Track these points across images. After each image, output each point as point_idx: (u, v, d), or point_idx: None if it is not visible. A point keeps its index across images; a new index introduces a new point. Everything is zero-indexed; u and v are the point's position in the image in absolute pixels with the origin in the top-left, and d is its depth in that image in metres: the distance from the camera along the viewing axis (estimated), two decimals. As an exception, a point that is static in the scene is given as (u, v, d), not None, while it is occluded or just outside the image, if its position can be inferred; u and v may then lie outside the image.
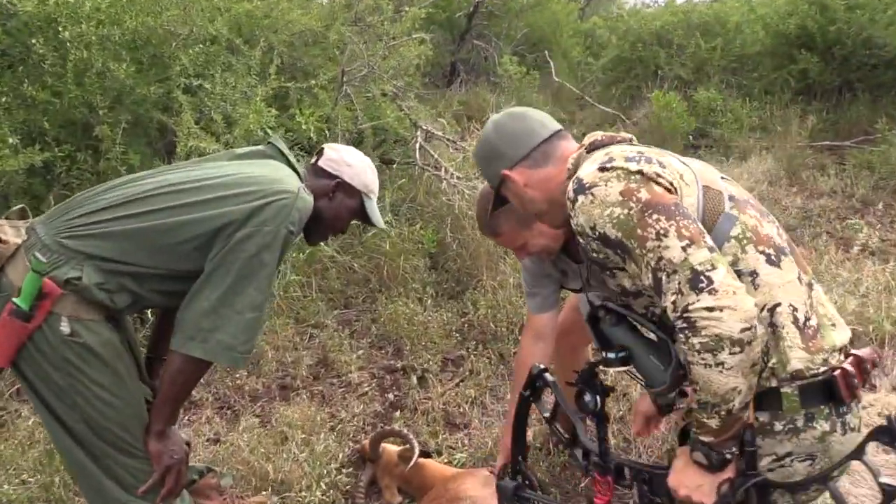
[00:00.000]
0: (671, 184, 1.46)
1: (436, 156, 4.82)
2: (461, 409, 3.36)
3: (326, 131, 4.31)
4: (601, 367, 1.58)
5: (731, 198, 1.54)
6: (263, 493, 2.69)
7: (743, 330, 1.29)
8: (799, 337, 1.44)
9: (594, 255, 1.54)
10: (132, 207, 1.87)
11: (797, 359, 1.44)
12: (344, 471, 2.84)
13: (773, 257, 1.48)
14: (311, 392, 3.47)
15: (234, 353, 1.87)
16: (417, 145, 4.80)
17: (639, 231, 1.36)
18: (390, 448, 2.82)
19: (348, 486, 2.77)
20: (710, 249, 1.35)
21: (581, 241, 1.55)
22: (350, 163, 2.16)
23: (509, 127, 1.73)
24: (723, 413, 1.35)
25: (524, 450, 1.87)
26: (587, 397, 1.57)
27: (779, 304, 1.45)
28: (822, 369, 1.44)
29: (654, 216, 1.36)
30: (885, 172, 6.28)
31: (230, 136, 3.73)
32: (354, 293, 4.34)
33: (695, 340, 1.30)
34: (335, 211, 2.14)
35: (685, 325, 1.31)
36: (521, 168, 1.70)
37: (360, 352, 3.82)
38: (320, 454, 2.87)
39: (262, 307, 1.91)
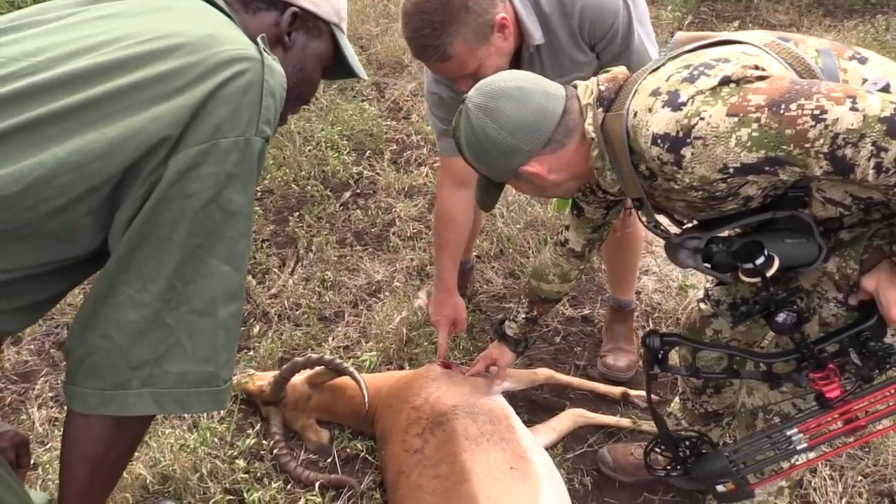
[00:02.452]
0: (757, 66, 1.22)
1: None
2: (322, 298, 2.70)
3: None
4: (757, 280, 1.34)
5: (783, 38, 1.32)
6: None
7: None
8: None
9: (695, 194, 1.27)
10: None
11: None
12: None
13: (857, 57, 1.31)
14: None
15: (212, 387, 1.06)
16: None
17: (788, 131, 1.13)
18: (292, 382, 2.12)
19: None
20: (867, 91, 1.14)
21: (678, 189, 1.28)
22: None
23: (514, 114, 1.37)
24: None
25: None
26: (781, 317, 1.36)
27: None
28: None
29: (792, 105, 1.13)
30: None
31: None
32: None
33: None
34: (298, 65, 1.26)
35: None
36: (542, 156, 1.40)
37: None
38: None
39: (240, 291, 1.08)
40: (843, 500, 1.92)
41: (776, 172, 1.18)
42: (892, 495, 1.95)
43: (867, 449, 2.07)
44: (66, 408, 1.06)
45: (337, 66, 1.35)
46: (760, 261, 1.30)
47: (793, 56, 1.28)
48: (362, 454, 2.08)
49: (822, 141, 1.11)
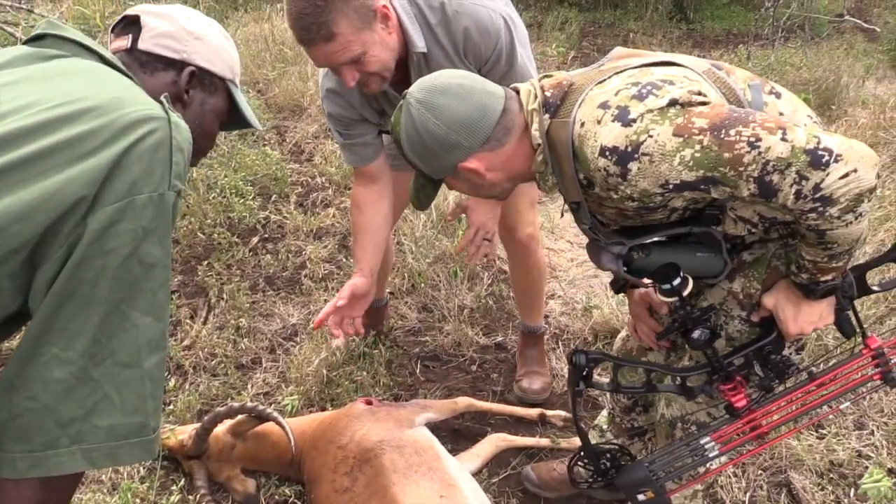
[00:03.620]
0: (699, 92, 1.31)
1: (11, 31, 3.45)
2: (237, 346, 2.68)
3: None
4: (675, 301, 1.44)
5: (716, 66, 1.44)
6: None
7: (877, 174, 1.24)
8: None
9: (631, 203, 1.35)
10: None
11: None
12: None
13: (774, 92, 1.45)
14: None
15: (141, 436, 1.07)
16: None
17: (726, 155, 1.22)
18: (213, 433, 2.10)
19: None
20: (796, 124, 1.26)
21: (616, 199, 1.35)
22: (199, 34, 1.30)
23: (455, 110, 1.39)
24: (852, 251, 1.33)
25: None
26: (696, 333, 1.45)
27: None
28: None
29: (731, 131, 1.22)
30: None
31: None
32: None
33: (833, 210, 1.22)
34: (197, 121, 1.29)
35: (818, 203, 1.22)
36: (481, 154, 1.42)
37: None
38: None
39: (163, 340, 1.09)
40: (747, 495, 2.08)
41: (709, 191, 1.27)
42: (789, 485, 2.12)
43: (761, 440, 2.25)
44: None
45: (233, 119, 1.40)
46: (677, 281, 1.39)
47: (726, 86, 1.39)
48: (291, 499, 2.07)
49: (753, 166, 1.21)
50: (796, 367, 1.49)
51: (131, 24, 1.28)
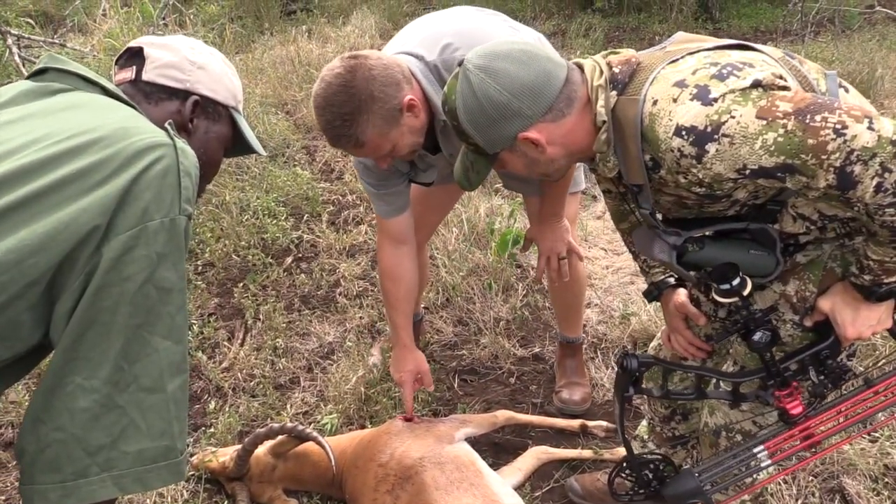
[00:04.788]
0: (781, 76, 1.26)
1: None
2: (275, 366, 2.69)
3: None
4: (735, 300, 1.40)
5: (789, 55, 1.39)
6: None
7: None
8: None
9: (698, 189, 1.30)
10: None
11: None
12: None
13: (843, 86, 1.41)
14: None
15: (169, 459, 1.08)
16: (17, 58, 3.43)
17: (810, 141, 1.17)
18: (255, 454, 2.11)
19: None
20: (880, 113, 1.22)
21: (684, 184, 1.30)
22: (201, 63, 1.32)
23: (518, 75, 1.32)
24: None
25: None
26: (758, 335, 1.41)
27: None
28: None
29: (817, 117, 1.17)
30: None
31: None
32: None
33: None
34: (202, 148, 1.31)
35: None
36: (542, 124, 1.35)
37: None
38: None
39: (184, 363, 1.11)
40: (799, 502, 2.02)
41: (784, 179, 1.22)
42: (843, 490, 2.06)
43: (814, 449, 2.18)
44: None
45: (236, 145, 1.42)
46: (736, 282, 1.35)
47: (800, 74, 1.34)
48: (334, 519, 2.07)
49: (837, 154, 1.15)
50: (853, 372, 1.44)
51: (135, 56, 1.30)
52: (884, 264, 1.28)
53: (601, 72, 1.36)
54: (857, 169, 1.15)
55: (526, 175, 1.48)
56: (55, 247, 0.99)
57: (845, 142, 1.15)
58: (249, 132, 1.41)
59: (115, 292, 1.01)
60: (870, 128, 1.15)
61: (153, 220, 1.03)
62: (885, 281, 1.31)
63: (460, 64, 1.38)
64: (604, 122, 1.35)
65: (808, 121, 1.16)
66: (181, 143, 1.11)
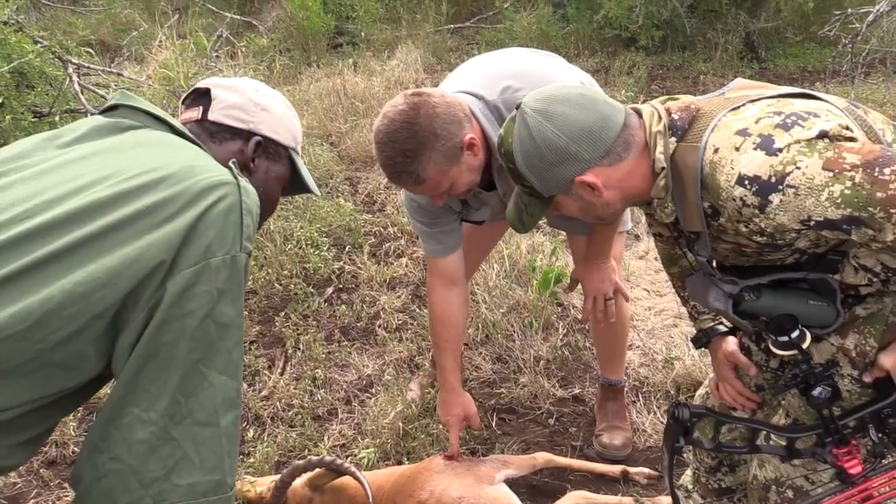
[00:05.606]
0: (847, 127, 1.24)
1: (102, 93, 3.66)
2: (314, 397, 2.70)
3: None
4: (794, 353, 1.38)
5: (854, 105, 1.36)
6: None
7: None
8: None
9: (759, 239, 1.28)
10: None
11: None
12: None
13: None
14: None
15: (219, 494, 1.10)
16: (77, 86, 3.55)
17: (879, 194, 1.14)
18: (292, 486, 2.10)
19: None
20: None
21: (744, 232, 1.29)
22: (265, 105, 1.36)
23: (576, 119, 1.33)
24: None
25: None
26: (818, 391, 1.37)
27: None
28: None
29: (886, 170, 1.14)
30: (516, 45, 6.76)
31: None
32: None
33: None
34: (262, 187, 1.34)
35: None
36: (599, 168, 1.35)
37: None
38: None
39: (238, 398, 1.13)
40: (850, 563, 1.94)
41: (850, 232, 1.19)
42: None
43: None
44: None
45: (294, 185, 1.45)
46: (795, 334, 1.32)
47: (865, 124, 1.31)
48: (369, 556, 2.05)
49: None
50: None
51: (202, 96, 1.35)
52: None
53: (659, 118, 1.35)
54: None
55: (580, 218, 1.48)
56: (122, 281, 1.01)
57: None
58: (307, 173, 1.44)
59: (176, 327, 1.04)
60: None
61: (216, 256, 1.06)
62: None
63: (518, 107, 1.39)
64: (662, 168, 1.33)
65: (876, 173, 1.14)
66: (244, 183, 1.14)
